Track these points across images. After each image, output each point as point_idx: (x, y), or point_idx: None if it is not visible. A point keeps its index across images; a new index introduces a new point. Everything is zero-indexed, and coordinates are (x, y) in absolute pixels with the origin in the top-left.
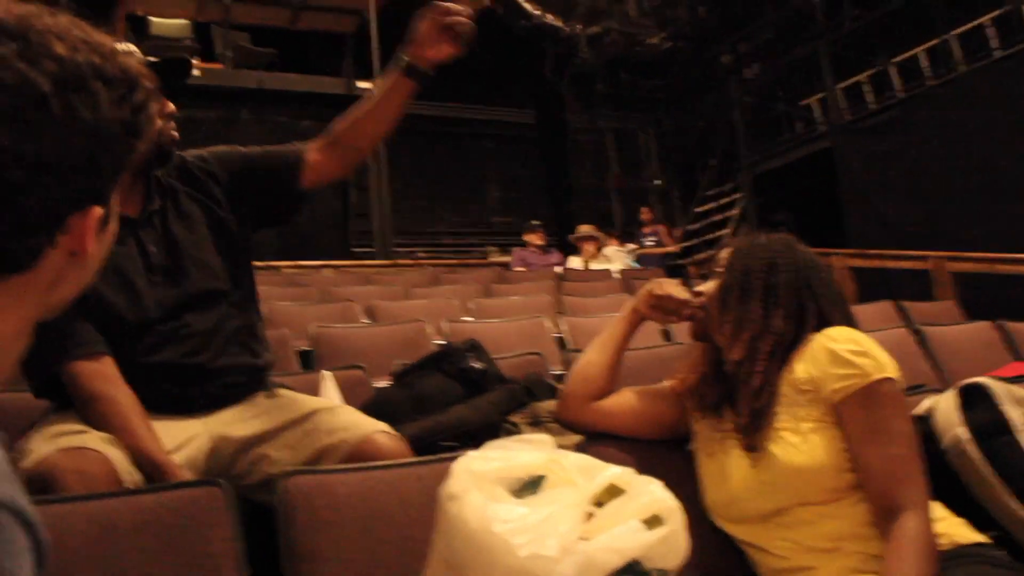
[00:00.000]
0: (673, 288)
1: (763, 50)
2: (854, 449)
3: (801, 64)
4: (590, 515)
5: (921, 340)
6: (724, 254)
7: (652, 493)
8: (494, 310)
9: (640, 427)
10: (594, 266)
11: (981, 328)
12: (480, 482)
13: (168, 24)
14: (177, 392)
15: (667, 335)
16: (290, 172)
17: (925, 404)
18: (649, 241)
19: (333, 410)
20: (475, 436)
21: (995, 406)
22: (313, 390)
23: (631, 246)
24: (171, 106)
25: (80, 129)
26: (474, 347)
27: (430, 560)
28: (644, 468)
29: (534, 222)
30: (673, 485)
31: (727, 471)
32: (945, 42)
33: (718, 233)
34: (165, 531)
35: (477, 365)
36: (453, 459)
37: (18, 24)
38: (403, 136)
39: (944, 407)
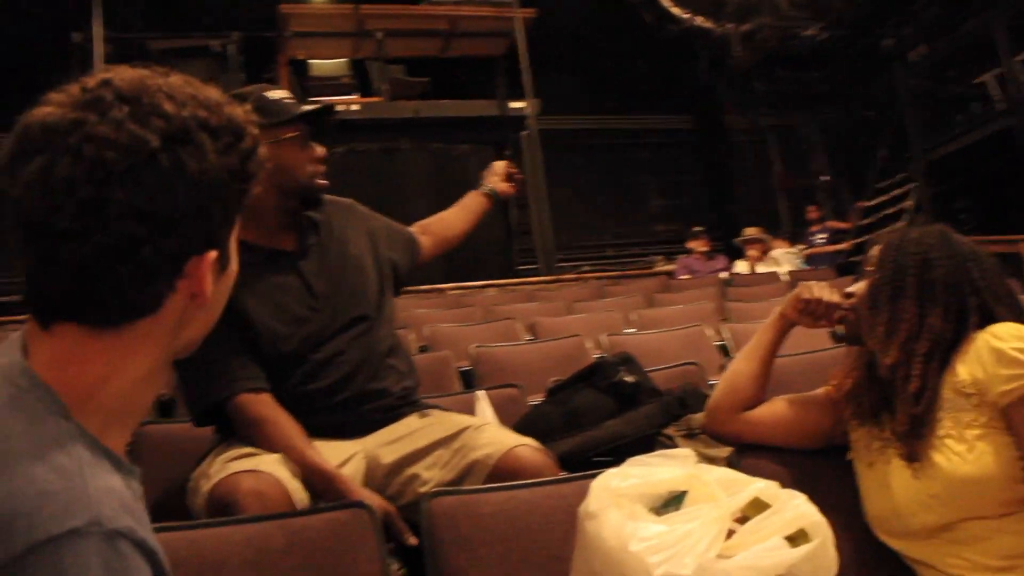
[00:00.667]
0: (822, 291)
1: (928, 29)
2: None
3: (972, 39)
4: (731, 532)
5: None
6: (874, 251)
7: (797, 508)
8: (656, 320)
9: (791, 437)
10: (760, 269)
11: None
12: (619, 500)
13: (327, 64)
14: (334, 418)
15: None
16: (413, 245)
17: None
18: (819, 240)
19: (480, 428)
20: (629, 450)
21: None
22: (469, 410)
23: (800, 247)
24: (320, 150)
25: (189, 179)
26: (626, 360)
27: None
28: (799, 480)
29: (697, 228)
30: (832, 498)
31: (888, 482)
32: None
33: (892, 227)
34: (315, 552)
35: (629, 379)
36: (595, 476)
37: (130, 87)
38: (561, 151)
39: None
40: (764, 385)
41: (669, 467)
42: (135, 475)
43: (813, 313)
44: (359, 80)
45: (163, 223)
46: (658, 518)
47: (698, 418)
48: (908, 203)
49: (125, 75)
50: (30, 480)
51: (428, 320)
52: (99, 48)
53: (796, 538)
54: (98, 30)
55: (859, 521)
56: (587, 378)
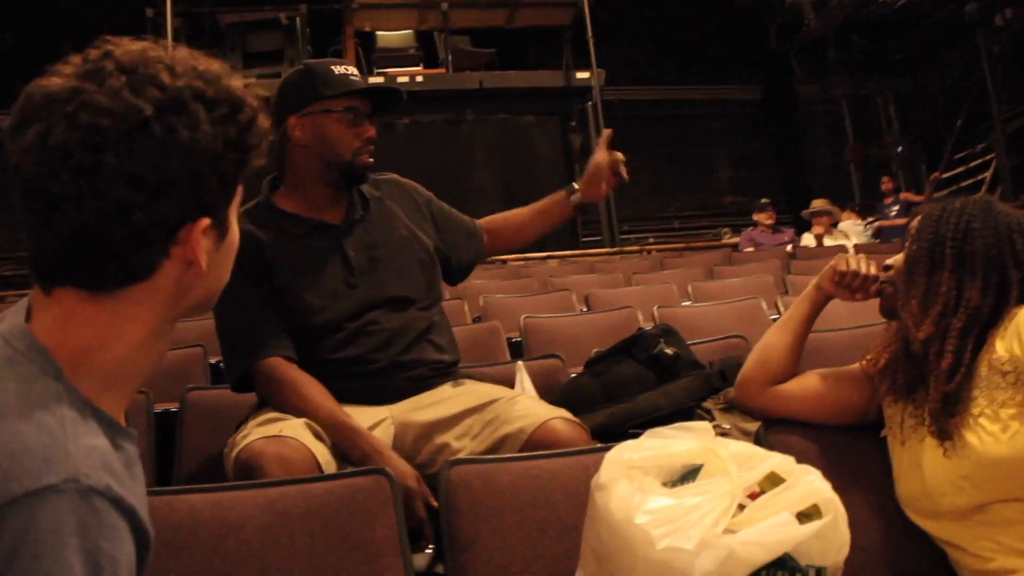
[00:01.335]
0: (859, 262)
1: None
2: None
3: None
4: (742, 507)
5: None
6: (915, 222)
7: (810, 484)
8: (713, 293)
9: (823, 412)
10: (828, 243)
11: None
12: (631, 472)
13: (393, 36)
14: (365, 384)
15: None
16: (475, 239)
17: None
18: (893, 212)
19: (513, 399)
20: (667, 422)
21: None
22: (509, 380)
23: (869, 219)
24: (371, 131)
25: (181, 147)
26: (667, 332)
27: (582, 550)
28: (828, 456)
29: (763, 200)
30: (863, 476)
31: (920, 461)
32: None
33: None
34: (333, 517)
35: (669, 351)
36: None
37: (130, 59)
38: (628, 122)
39: None
40: (797, 358)
41: (685, 440)
42: (130, 437)
43: (849, 286)
44: (424, 51)
45: (155, 189)
46: (668, 491)
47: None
48: (986, 174)
49: (129, 47)
50: (12, 436)
51: (485, 290)
52: (171, 23)
53: (809, 515)
54: (170, 5)
55: (891, 501)
56: (627, 350)
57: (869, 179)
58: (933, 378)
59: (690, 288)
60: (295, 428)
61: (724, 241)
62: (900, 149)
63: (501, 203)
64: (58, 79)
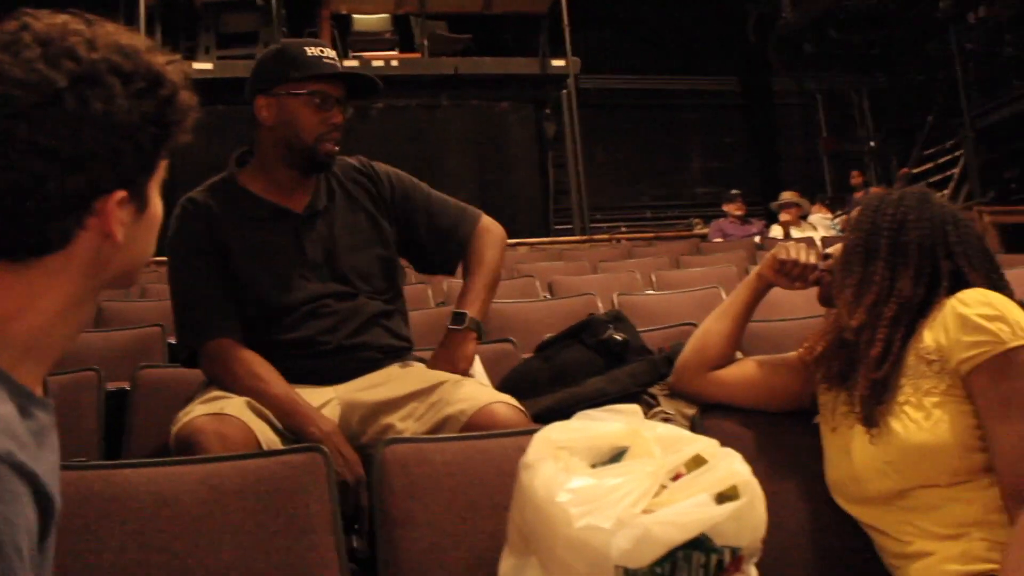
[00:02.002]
0: (799, 251)
1: None
2: (984, 426)
3: None
4: (664, 488)
5: None
6: (855, 213)
7: (729, 466)
8: (677, 282)
9: (758, 398)
10: (796, 235)
11: None
12: (557, 452)
13: (369, 19)
14: (313, 365)
15: None
16: (450, 243)
17: None
18: None
19: (458, 382)
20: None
21: None
22: None
23: (838, 212)
24: (338, 117)
25: (94, 120)
26: (617, 318)
27: (509, 528)
28: (762, 441)
29: (733, 191)
30: (795, 461)
31: (849, 447)
32: None
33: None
34: (267, 493)
35: (618, 336)
36: None
37: (48, 31)
38: (603, 110)
39: None
40: (735, 345)
41: (613, 423)
42: (45, 407)
43: (789, 274)
44: (401, 36)
45: (67, 161)
46: (592, 472)
47: None
48: (955, 171)
49: (50, 20)
50: None
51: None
52: (144, 3)
53: (730, 496)
54: None
55: (821, 486)
56: (577, 335)
57: (841, 172)
58: (863, 366)
59: (654, 277)
60: (236, 406)
61: (695, 231)
62: (872, 144)
63: (474, 189)
64: None
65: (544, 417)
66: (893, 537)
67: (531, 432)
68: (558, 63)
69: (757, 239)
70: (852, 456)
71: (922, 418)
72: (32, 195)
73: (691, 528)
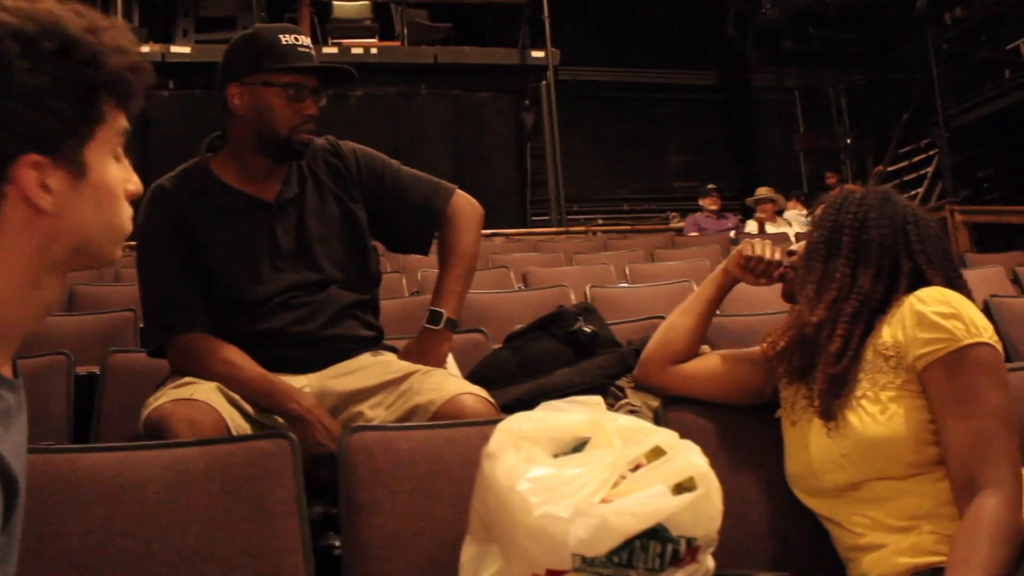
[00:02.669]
0: (764, 248)
1: None
2: (937, 420)
3: (1010, 2)
4: (623, 478)
5: None
6: (818, 211)
7: (687, 458)
8: (650, 275)
9: (721, 392)
10: (771, 230)
11: None
12: (519, 442)
13: (350, 6)
14: (284, 355)
15: None
16: (423, 225)
17: None
18: None
19: (428, 372)
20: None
21: None
22: None
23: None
24: (312, 108)
25: None
26: (586, 310)
27: (471, 516)
28: (724, 434)
29: (709, 186)
30: (755, 454)
31: (807, 441)
32: None
33: (912, 192)
34: (233, 478)
35: (587, 328)
36: None
37: None
38: (582, 102)
39: None
40: (699, 339)
41: (575, 413)
42: (12, 388)
43: (754, 270)
44: (381, 24)
45: None
46: (553, 461)
47: None
48: (928, 169)
49: None
50: None
51: (424, 265)
52: None
53: (689, 488)
54: None
55: (781, 479)
56: (546, 326)
57: (817, 169)
58: (822, 360)
59: (628, 269)
60: (206, 392)
61: (672, 225)
62: (848, 141)
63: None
64: None
65: (513, 408)
66: (847, 529)
67: (494, 422)
68: (538, 54)
69: (732, 234)
70: (810, 449)
71: (878, 412)
72: None
73: (648, 518)
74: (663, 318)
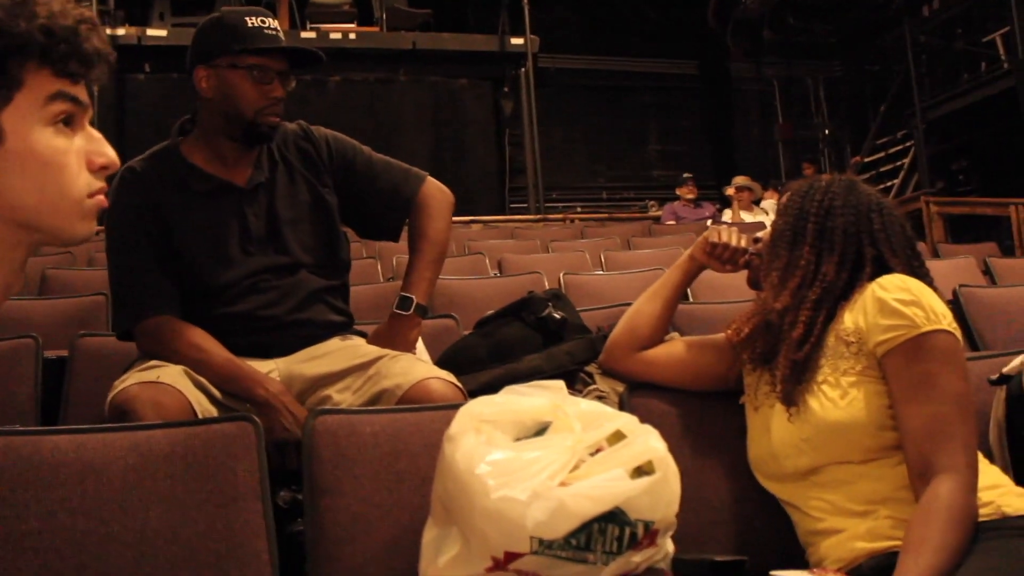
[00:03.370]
0: (730, 235)
1: None
2: (895, 406)
3: None
4: (583, 462)
5: None
6: (784, 198)
7: (645, 442)
8: (625, 263)
9: (686, 378)
10: (749, 219)
11: None
12: (480, 425)
13: None
14: (253, 340)
15: None
16: (394, 211)
17: (1017, 361)
18: None
19: (396, 357)
20: None
21: None
22: None
23: None
24: (279, 91)
25: None
26: (556, 296)
27: (432, 499)
28: (688, 420)
29: (685, 175)
30: (719, 439)
31: (769, 426)
32: None
33: (888, 183)
34: (196, 461)
35: (556, 315)
36: None
37: None
38: (561, 90)
39: None
40: (664, 325)
41: (537, 398)
42: None
43: (720, 257)
44: (360, 9)
45: None
46: (513, 445)
47: None
48: (905, 160)
49: None
50: None
51: (399, 251)
52: None
53: (639, 472)
54: None
55: (744, 464)
56: (517, 312)
57: (796, 159)
58: (784, 347)
59: (603, 257)
60: (172, 375)
61: (650, 213)
62: (827, 131)
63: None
64: None
65: (481, 393)
66: (806, 514)
67: (458, 406)
68: (517, 41)
69: (709, 223)
70: (772, 434)
71: (838, 396)
72: None
73: (605, 501)
74: None
